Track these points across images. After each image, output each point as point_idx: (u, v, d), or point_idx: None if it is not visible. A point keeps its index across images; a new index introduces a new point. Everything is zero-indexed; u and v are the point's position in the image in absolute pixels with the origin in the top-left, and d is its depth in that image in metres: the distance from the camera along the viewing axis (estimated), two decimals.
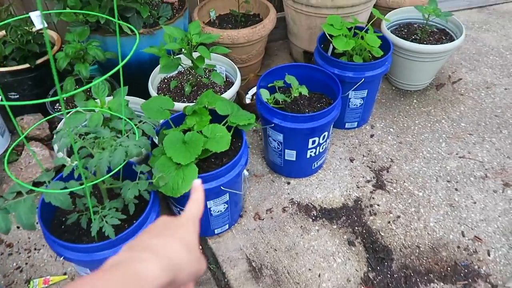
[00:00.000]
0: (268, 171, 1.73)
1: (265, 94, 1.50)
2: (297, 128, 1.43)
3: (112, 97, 1.33)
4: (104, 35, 1.64)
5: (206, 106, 1.35)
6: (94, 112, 1.31)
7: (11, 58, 1.74)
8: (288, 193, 1.64)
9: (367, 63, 1.62)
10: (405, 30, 2.06)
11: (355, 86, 1.68)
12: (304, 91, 1.50)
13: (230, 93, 1.62)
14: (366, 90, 1.72)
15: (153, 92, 1.60)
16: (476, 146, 1.80)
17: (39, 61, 1.72)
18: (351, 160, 1.75)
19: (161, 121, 1.35)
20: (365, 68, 1.63)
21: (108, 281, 0.37)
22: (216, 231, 1.49)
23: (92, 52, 1.51)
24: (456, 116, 1.95)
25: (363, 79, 1.64)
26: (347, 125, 1.88)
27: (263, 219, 1.55)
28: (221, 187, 1.27)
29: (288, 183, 1.68)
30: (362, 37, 1.66)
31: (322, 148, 1.60)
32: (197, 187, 0.55)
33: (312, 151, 1.57)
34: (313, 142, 1.53)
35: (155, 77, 1.71)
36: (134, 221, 1.11)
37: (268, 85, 1.61)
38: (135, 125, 1.18)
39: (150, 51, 1.45)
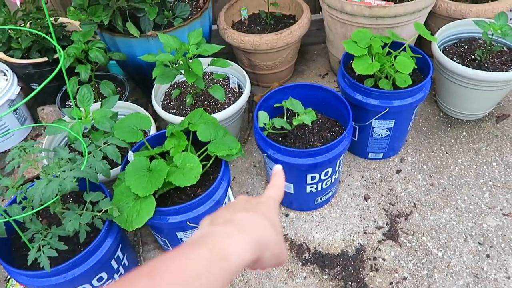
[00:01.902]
0: None
1: (263, 117, 1.32)
2: (292, 163, 1.25)
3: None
4: (113, 35, 1.58)
5: (189, 128, 1.23)
6: (74, 123, 1.26)
7: (36, 51, 1.76)
8: (284, 227, 1.47)
9: (393, 92, 1.35)
10: (465, 47, 1.71)
11: (378, 116, 1.42)
12: (308, 119, 1.30)
13: (237, 106, 1.48)
14: (393, 121, 1.46)
15: (155, 104, 1.50)
16: None
17: (56, 56, 1.73)
18: (366, 198, 1.52)
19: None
20: (391, 96, 1.36)
21: (195, 258, 0.36)
22: None
23: (93, 55, 1.46)
24: None
25: (387, 109, 1.38)
26: (370, 155, 1.63)
27: None
28: (187, 222, 1.15)
29: (287, 215, 1.50)
30: (395, 57, 1.39)
31: (327, 184, 1.39)
32: (278, 172, 0.54)
33: (312, 187, 1.37)
34: (313, 178, 1.33)
35: (161, 85, 1.61)
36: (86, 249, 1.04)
37: (275, 105, 1.43)
38: (98, 147, 1.10)
39: (146, 59, 1.35)
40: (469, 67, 1.59)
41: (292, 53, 1.87)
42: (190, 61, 1.36)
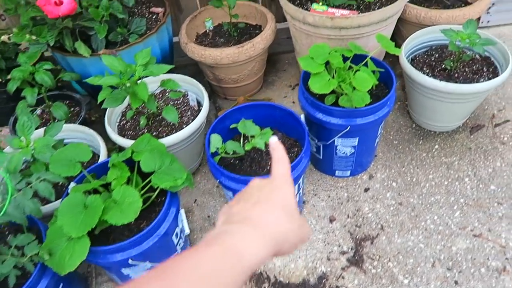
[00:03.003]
0: None
1: (215, 141, 1.25)
2: None
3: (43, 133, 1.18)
4: (65, 54, 1.50)
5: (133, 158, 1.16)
6: (13, 154, 1.19)
7: None
8: None
9: (353, 110, 1.27)
10: (436, 55, 1.63)
11: (340, 134, 1.35)
12: (262, 143, 1.22)
13: (192, 127, 1.40)
14: (357, 138, 1.38)
15: (108, 127, 1.42)
16: (502, 222, 1.38)
17: (9, 76, 1.65)
18: (331, 220, 1.44)
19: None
20: (351, 114, 1.29)
21: (209, 257, 0.36)
22: None
23: (39, 77, 1.38)
24: (486, 175, 1.51)
25: (348, 128, 1.31)
26: (337, 173, 1.56)
27: None
28: (130, 260, 1.08)
29: None
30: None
31: None
32: (275, 146, 0.53)
33: None
34: None
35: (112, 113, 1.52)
36: None
37: (231, 126, 1.35)
38: (29, 184, 1.03)
39: (92, 82, 1.28)
40: (438, 77, 1.52)
41: (258, 65, 1.80)
42: (140, 82, 1.28)
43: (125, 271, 1.16)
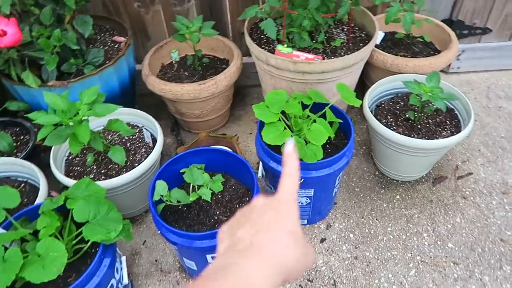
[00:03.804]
0: (178, 268, 1.42)
1: (160, 188, 1.18)
2: (187, 246, 1.10)
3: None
4: (12, 83, 1.42)
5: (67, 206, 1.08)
6: None
7: None
8: None
9: (307, 163, 1.22)
10: (402, 103, 1.60)
11: None
12: (208, 194, 1.16)
13: (142, 167, 1.33)
14: (313, 190, 1.33)
15: (53, 166, 1.34)
16: (457, 283, 1.33)
17: None
18: None
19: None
20: (305, 166, 1.24)
21: None
22: None
23: None
24: (445, 231, 1.47)
25: (302, 180, 1.26)
26: None
27: None
28: None
29: None
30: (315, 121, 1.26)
31: None
32: (289, 157, 0.50)
33: None
34: (213, 258, 1.19)
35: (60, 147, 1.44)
36: None
37: (182, 171, 1.28)
38: None
39: (33, 118, 1.20)
40: (401, 127, 1.49)
41: (222, 101, 1.74)
42: (83, 122, 1.21)
43: None
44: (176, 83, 1.61)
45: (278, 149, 1.28)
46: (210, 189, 1.19)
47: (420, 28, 1.77)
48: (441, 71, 2.14)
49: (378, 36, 1.79)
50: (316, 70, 1.45)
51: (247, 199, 1.28)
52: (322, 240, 1.46)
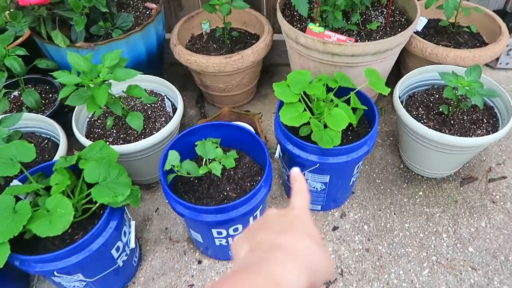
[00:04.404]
0: (186, 239, 1.42)
1: (172, 158, 1.17)
2: (192, 219, 1.10)
3: None
4: (44, 41, 1.45)
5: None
6: None
7: None
8: (192, 276, 1.33)
9: (325, 148, 1.17)
10: (436, 96, 1.50)
11: (310, 169, 1.25)
12: (218, 169, 1.14)
13: (162, 134, 1.33)
14: (328, 176, 1.29)
15: (74, 127, 1.36)
16: None
17: None
18: None
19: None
20: (323, 152, 1.19)
21: (250, 286, 0.34)
22: None
23: (9, 63, 1.34)
24: (467, 234, 1.39)
25: (317, 165, 1.21)
26: None
27: None
28: (55, 272, 1.03)
29: (200, 262, 1.36)
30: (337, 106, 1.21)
31: None
32: (297, 177, 0.52)
33: (221, 241, 1.22)
34: (219, 233, 1.18)
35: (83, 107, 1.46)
36: None
37: (196, 143, 1.26)
38: None
39: (56, 76, 1.21)
40: (432, 122, 1.40)
41: (248, 77, 1.71)
42: (106, 83, 1.22)
43: (55, 279, 1.10)
44: (203, 54, 1.58)
45: (296, 131, 1.24)
46: (222, 164, 1.17)
47: (467, 17, 1.64)
48: (487, 66, 2.00)
49: (420, 22, 1.67)
50: (346, 53, 1.38)
51: (259, 178, 1.26)
52: (335, 228, 1.42)
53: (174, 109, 1.50)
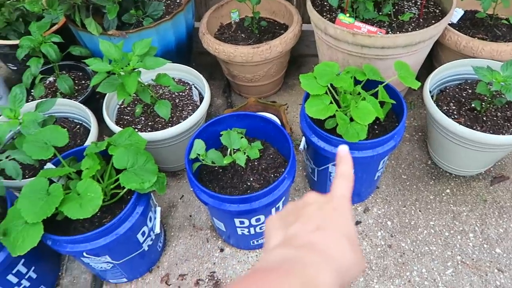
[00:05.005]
0: (210, 226, 1.45)
1: (198, 147, 1.19)
2: (216, 207, 1.12)
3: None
4: (77, 29, 1.49)
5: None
6: (1, 124, 1.21)
7: (12, 29, 1.72)
8: (214, 263, 1.36)
9: (348, 142, 1.16)
10: (469, 91, 1.45)
11: (334, 162, 1.25)
12: (243, 159, 1.16)
13: (189, 123, 1.35)
14: (353, 170, 1.27)
15: (105, 113, 1.40)
16: None
17: None
18: None
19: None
20: (348, 145, 1.17)
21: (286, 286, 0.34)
22: (111, 280, 1.32)
23: (45, 49, 1.38)
24: (494, 235, 1.35)
25: None
26: None
27: (169, 285, 1.32)
28: (85, 253, 1.07)
29: (222, 250, 1.39)
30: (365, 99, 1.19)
31: (262, 229, 1.25)
32: (344, 157, 0.47)
33: (243, 230, 1.24)
34: (241, 222, 1.20)
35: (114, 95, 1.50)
36: None
37: (221, 133, 1.28)
38: None
39: (89, 63, 1.25)
40: (463, 116, 1.36)
41: (276, 68, 1.70)
42: (135, 71, 1.24)
43: (84, 259, 1.16)
44: (231, 44, 1.59)
45: (321, 123, 1.23)
46: (246, 155, 1.19)
47: (507, 9, 1.56)
48: None
49: (455, 14, 1.61)
50: (376, 45, 1.35)
51: (283, 170, 1.26)
52: (357, 223, 1.41)
53: (201, 99, 1.52)
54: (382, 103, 1.22)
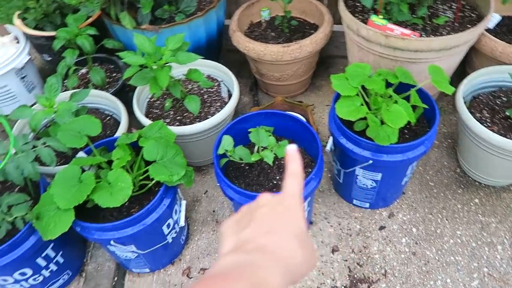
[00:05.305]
0: None
1: (226, 143, 1.20)
2: (241, 203, 1.12)
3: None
4: (112, 22, 1.52)
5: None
6: (36, 112, 1.24)
7: (48, 21, 1.77)
8: None
9: (378, 145, 1.14)
10: (504, 99, 1.41)
11: (362, 165, 1.24)
12: (270, 157, 1.16)
13: (217, 119, 1.36)
14: (380, 174, 1.26)
15: (135, 105, 1.43)
16: None
17: None
18: (333, 251, 1.35)
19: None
20: (377, 149, 1.16)
21: None
22: (134, 270, 1.34)
23: (80, 41, 1.42)
24: None
25: (370, 161, 1.19)
26: (355, 202, 1.44)
27: (190, 278, 1.33)
28: (112, 241, 1.10)
29: None
30: (396, 102, 1.17)
31: None
32: (292, 157, 0.49)
33: None
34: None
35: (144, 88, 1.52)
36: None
37: (249, 130, 1.28)
38: (34, 147, 1.07)
39: (122, 56, 1.27)
40: (497, 125, 1.32)
41: (304, 67, 1.69)
42: (167, 65, 1.26)
43: (110, 247, 1.18)
44: (261, 42, 1.59)
45: (351, 124, 1.22)
46: (274, 153, 1.19)
47: None
48: None
49: (492, 19, 1.57)
50: (410, 48, 1.33)
51: (310, 170, 1.26)
52: (381, 228, 1.40)
53: (229, 96, 1.53)
54: (413, 107, 1.20)
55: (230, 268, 0.37)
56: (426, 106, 1.22)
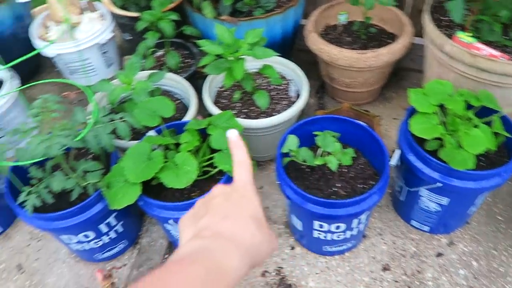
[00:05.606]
0: (284, 222, 1.45)
1: (291, 143, 1.19)
2: (298, 204, 1.11)
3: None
4: (193, 10, 1.57)
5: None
6: (115, 87, 1.31)
7: (133, 3, 1.86)
8: (283, 259, 1.36)
9: (452, 168, 1.08)
10: None
11: (428, 186, 1.18)
12: (334, 163, 1.13)
13: (283, 117, 1.37)
14: (448, 199, 1.19)
15: (205, 93, 1.46)
16: None
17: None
18: (384, 269, 1.31)
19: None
20: (448, 172, 1.10)
21: (191, 276, 0.35)
22: None
23: (161, 25, 1.47)
24: None
25: (439, 184, 1.13)
26: (414, 223, 1.38)
27: None
28: (171, 220, 1.13)
29: (293, 248, 1.38)
30: (476, 126, 1.11)
31: (339, 237, 1.23)
32: (236, 143, 0.49)
33: (320, 234, 1.23)
34: (320, 226, 1.18)
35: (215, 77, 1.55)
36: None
37: (316, 133, 1.27)
38: (112, 120, 1.13)
39: (200, 44, 1.31)
40: None
41: (376, 77, 1.65)
42: (242, 57, 1.28)
43: (167, 226, 1.22)
44: (336, 46, 1.56)
45: (421, 142, 1.17)
46: (338, 159, 1.16)
47: None
48: None
49: None
50: (497, 71, 1.24)
51: (372, 183, 1.22)
52: (439, 255, 1.33)
53: (297, 96, 1.52)
54: (495, 135, 1.12)
55: (188, 254, 0.38)
56: (509, 135, 1.14)
